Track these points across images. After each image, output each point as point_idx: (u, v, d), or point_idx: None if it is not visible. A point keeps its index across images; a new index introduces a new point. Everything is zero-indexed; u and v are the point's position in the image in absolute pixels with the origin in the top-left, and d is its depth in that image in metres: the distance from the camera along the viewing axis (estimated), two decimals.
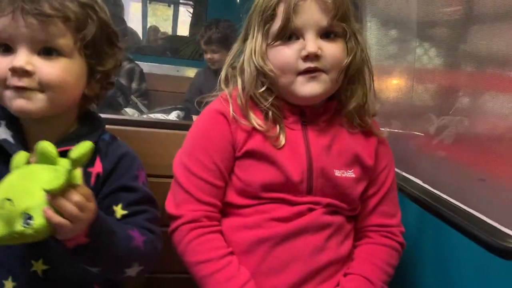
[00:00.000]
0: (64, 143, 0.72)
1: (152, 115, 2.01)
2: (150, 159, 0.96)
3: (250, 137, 0.81)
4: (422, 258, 0.97)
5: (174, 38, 3.50)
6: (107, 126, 0.85)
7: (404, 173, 1.12)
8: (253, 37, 0.83)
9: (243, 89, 0.83)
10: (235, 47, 0.87)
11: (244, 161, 0.82)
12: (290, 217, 0.81)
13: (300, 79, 0.79)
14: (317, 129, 0.85)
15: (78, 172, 0.63)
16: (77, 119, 0.81)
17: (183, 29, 3.73)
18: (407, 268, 0.96)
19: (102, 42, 0.76)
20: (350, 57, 0.80)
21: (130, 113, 2.09)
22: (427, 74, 1.30)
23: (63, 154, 0.70)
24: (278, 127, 0.82)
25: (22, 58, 0.68)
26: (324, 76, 0.80)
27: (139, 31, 3.45)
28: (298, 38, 0.79)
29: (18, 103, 0.70)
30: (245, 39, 0.86)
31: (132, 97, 2.25)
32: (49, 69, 0.70)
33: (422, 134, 1.46)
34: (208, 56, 2.27)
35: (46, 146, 0.61)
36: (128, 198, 0.77)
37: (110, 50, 0.78)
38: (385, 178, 0.89)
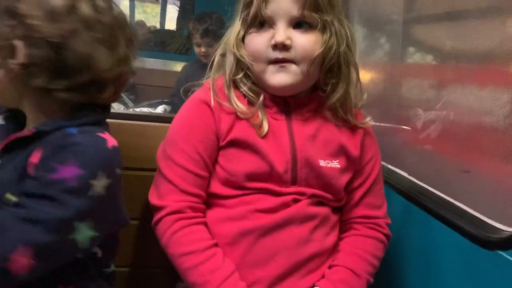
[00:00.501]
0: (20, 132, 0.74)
1: (138, 109, 1.98)
2: (134, 152, 0.95)
3: (234, 126, 0.81)
4: (408, 250, 0.97)
5: (161, 32, 3.46)
6: None
7: (389, 166, 1.12)
8: (233, 24, 0.84)
9: (226, 74, 0.84)
10: (226, 35, 0.87)
11: (228, 150, 0.81)
12: (275, 208, 0.80)
13: (271, 68, 0.79)
14: (302, 119, 0.84)
15: None
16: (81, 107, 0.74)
17: (171, 25, 3.71)
18: (392, 260, 0.97)
19: None
20: (322, 49, 0.78)
21: (115, 107, 2.07)
22: (414, 69, 1.31)
23: (19, 142, 0.72)
24: (260, 114, 0.81)
25: None
26: (294, 67, 0.79)
27: None
28: (270, 27, 0.79)
29: None
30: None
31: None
32: None
33: (409, 128, 1.46)
34: (201, 49, 2.21)
35: None
36: (26, 187, 0.66)
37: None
38: (371, 169, 0.89)
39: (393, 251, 0.95)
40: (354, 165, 0.87)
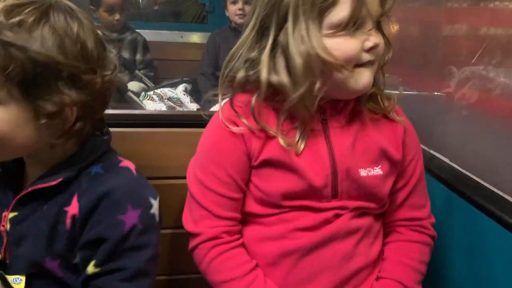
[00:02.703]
0: (38, 182, 0.69)
1: (159, 91, 1.94)
2: (160, 161, 0.93)
3: (266, 145, 0.75)
4: (451, 244, 0.93)
5: (174, 1, 3.34)
6: (111, 129, 0.79)
7: (431, 151, 1.06)
8: (295, 26, 0.70)
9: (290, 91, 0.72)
10: (246, 38, 0.76)
11: (262, 170, 0.77)
12: (316, 226, 0.76)
13: (360, 70, 0.73)
14: (339, 126, 0.78)
15: None
16: (77, 147, 0.72)
17: None
18: (434, 254, 0.92)
19: (42, 81, 0.63)
20: (391, 51, 0.76)
21: (135, 87, 2.03)
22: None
23: (42, 191, 0.68)
24: (298, 130, 0.75)
25: None
26: (373, 68, 0.75)
27: None
28: (358, 28, 0.71)
29: None
30: (262, 31, 0.74)
31: (137, 71, 2.17)
32: None
33: (443, 94, 1.38)
34: (238, 6, 2.07)
35: None
36: (102, 253, 0.67)
37: (56, 87, 0.64)
38: (413, 169, 0.84)
39: (435, 246, 0.90)
40: (397, 168, 0.82)
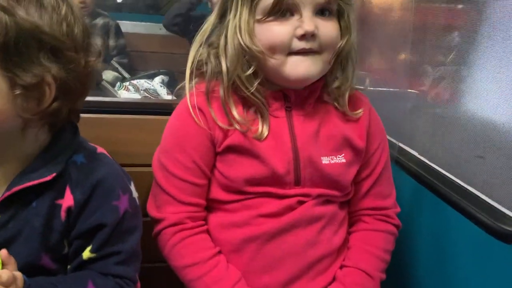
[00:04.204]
0: (23, 179, 0.66)
1: (135, 82, 1.92)
2: (130, 148, 0.92)
3: (230, 131, 0.76)
4: (417, 235, 0.95)
5: None
6: (83, 115, 0.76)
7: (400, 144, 1.07)
8: (236, 13, 0.73)
9: (227, 73, 0.75)
10: (208, 24, 0.78)
11: (226, 156, 0.77)
12: (279, 212, 0.77)
13: (293, 59, 0.72)
14: (303, 114, 0.79)
15: None
16: (51, 137, 0.70)
17: None
18: (401, 246, 0.94)
19: (24, 49, 0.60)
20: (346, 39, 0.74)
21: (109, 77, 1.99)
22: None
23: (28, 190, 0.65)
24: (260, 118, 0.76)
25: None
26: (317, 57, 0.73)
27: None
28: (292, 14, 0.71)
29: None
30: (222, 15, 0.77)
31: (113, 62, 2.14)
32: None
33: (417, 92, 1.40)
34: None
35: None
36: (99, 239, 0.68)
37: (38, 59, 0.61)
38: (378, 158, 0.84)
39: (402, 236, 0.92)
40: (361, 156, 0.82)
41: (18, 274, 0.60)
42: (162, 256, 0.85)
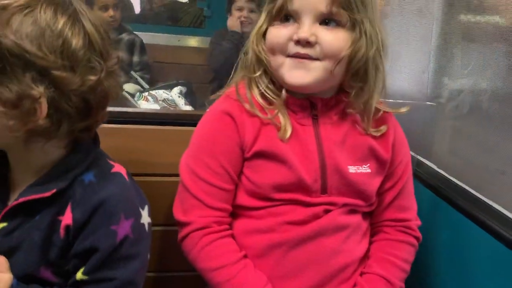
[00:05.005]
0: (29, 192, 0.67)
1: (154, 92, 1.95)
2: (151, 158, 0.93)
3: (259, 136, 0.78)
4: (435, 247, 0.94)
5: (172, 5, 3.36)
6: (104, 125, 0.78)
7: (418, 157, 1.07)
8: (259, 19, 0.80)
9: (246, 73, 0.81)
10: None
11: (254, 162, 0.78)
12: (305, 220, 0.78)
13: (288, 62, 0.75)
14: (330, 122, 0.81)
15: None
16: (66, 152, 0.70)
17: None
18: (419, 258, 0.93)
19: (8, 68, 0.60)
20: (351, 49, 0.73)
21: (131, 89, 2.04)
22: None
23: (33, 203, 0.66)
24: (281, 116, 0.78)
25: None
26: (316, 64, 0.74)
27: None
28: (295, 21, 0.75)
29: None
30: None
31: (132, 72, 2.18)
32: None
33: (434, 104, 1.39)
34: (243, 14, 2.08)
35: None
36: (92, 262, 0.66)
37: (22, 78, 0.60)
38: (402, 171, 0.85)
39: (420, 249, 0.92)
40: (385, 168, 0.83)
41: (6, 276, 0.61)
42: (180, 265, 0.86)
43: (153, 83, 2.31)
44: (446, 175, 0.97)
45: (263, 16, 0.79)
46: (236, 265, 0.76)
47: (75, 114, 0.65)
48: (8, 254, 0.65)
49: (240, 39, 1.98)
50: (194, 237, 0.78)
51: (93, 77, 0.64)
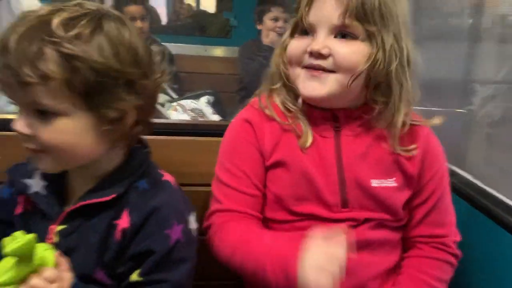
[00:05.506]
0: (89, 196, 0.70)
1: (183, 102, 1.98)
2: (182, 168, 0.94)
3: (278, 145, 0.79)
4: (472, 261, 0.91)
5: (199, 15, 3.42)
6: None
7: (452, 167, 1.05)
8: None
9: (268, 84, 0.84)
10: None
11: (274, 172, 0.80)
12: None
13: (303, 73, 0.76)
14: (352, 134, 0.79)
15: (47, 253, 0.62)
16: (123, 159, 0.74)
17: (206, 4, 3.62)
18: (456, 275, 0.90)
19: (103, 89, 0.64)
20: (368, 63, 0.72)
21: (160, 99, 2.06)
22: None
23: (92, 207, 0.70)
24: (302, 124, 0.79)
25: None
26: (331, 77, 0.74)
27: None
28: (312, 34, 0.76)
29: None
30: None
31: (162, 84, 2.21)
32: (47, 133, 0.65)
33: (465, 111, 1.36)
34: (277, 24, 2.12)
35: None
36: (148, 264, 0.69)
37: (117, 94, 0.66)
38: (435, 186, 0.82)
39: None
40: (412, 182, 0.81)
41: (67, 276, 0.63)
42: (213, 274, 0.86)
43: (180, 93, 2.35)
44: (482, 185, 0.95)
45: (288, 29, 0.81)
46: (260, 231, 0.77)
47: (149, 114, 0.73)
48: (66, 255, 0.67)
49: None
50: (220, 216, 0.79)
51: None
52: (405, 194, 0.80)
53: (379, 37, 0.72)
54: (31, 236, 0.58)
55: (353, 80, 0.73)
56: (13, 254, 0.58)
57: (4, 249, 0.57)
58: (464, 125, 1.26)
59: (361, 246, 0.77)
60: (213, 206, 0.81)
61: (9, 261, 0.60)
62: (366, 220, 0.78)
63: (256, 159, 0.80)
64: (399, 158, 0.79)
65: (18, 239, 0.58)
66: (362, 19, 0.72)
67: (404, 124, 0.78)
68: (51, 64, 0.61)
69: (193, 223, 0.75)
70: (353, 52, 0.73)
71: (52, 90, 0.62)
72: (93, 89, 0.63)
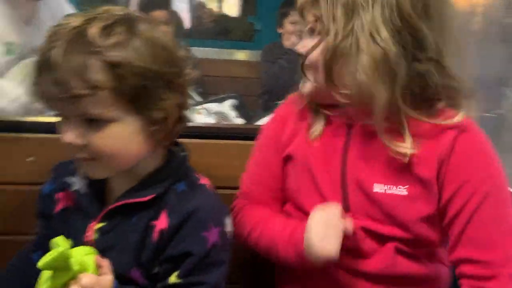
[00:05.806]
0: (128, 196, 0.73)
1: (206, 105, 2.00)
2: (209, 171, 0.95)
3: (294, 138, 0.82)
4: None
5: (223, 19, 3.45)
6: None
7: None
8: None
9: None
10: None
11: (286, 166, 0.83)
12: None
13: None
14: (363, 133, 0.74)
15: (87, 258, 0.64)
16: (163, 160, 0.76)
17: (228, 8, 3.63)
18: None
19: (147, 91, 0.67)
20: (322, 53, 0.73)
21: None
22: None
23: (131, 205, 0.72)
24: (317, 118, 0.81)
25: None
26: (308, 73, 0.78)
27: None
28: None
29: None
30: None
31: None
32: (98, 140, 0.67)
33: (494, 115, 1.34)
34: (297, 28, 2.12)
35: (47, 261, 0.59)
36: (186, 266, 0.71)
37: (159, 95, 0.68)
38: (471, 193, 0.68)
39: None
40: (430, 190, 0.70)
41: (107, 278, 0.64)
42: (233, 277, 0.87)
43: (204, 96, 2.38)
44: None
45: None
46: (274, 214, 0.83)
47: (186, 110, 0.76)
48: (103, 253, 0.69)
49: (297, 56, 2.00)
50: (235, 207, 0.88)
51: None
52: (421, 207, 0.70)
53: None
54: (62, 248, 0.59)
55: (318, 73, 0.75)
56: (46, 267, 0.59)
57: (38, 263, 0.59)
58: (494, 129, 1.23)
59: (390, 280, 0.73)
60: (239, 191, 0.88)
61: (48, 271, 0.61)
62: (366, 230, 0.72)
63: (276, 149, 0.84)
64: (411, 159, 0.69)
65: (51, 252, 0.59)
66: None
67: (416, 123, 0.69)
68: (98, 74, 0.63)
69: (228, 226, 0.76)
70: (310, 44, 0.77)
71: (101, 99, 0.64)
72: (138, 92, 0.65)
